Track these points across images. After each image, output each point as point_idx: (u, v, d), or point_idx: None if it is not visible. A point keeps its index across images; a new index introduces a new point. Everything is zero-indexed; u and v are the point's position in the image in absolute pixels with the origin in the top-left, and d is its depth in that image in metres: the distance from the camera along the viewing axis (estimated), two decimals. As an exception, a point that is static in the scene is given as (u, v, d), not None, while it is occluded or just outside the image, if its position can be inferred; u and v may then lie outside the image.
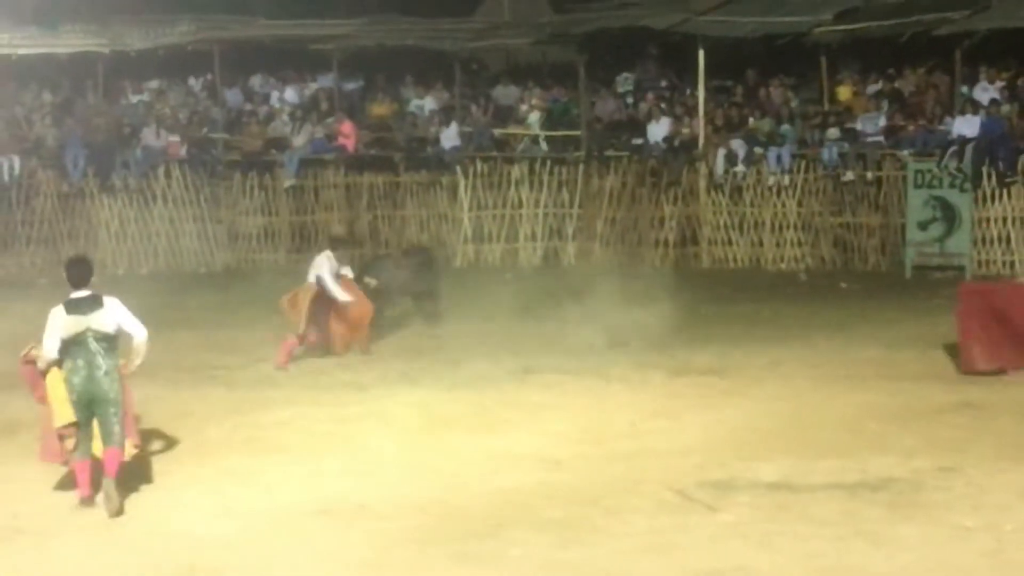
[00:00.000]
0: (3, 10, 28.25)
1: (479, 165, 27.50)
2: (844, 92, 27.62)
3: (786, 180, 26.22)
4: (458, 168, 27.53)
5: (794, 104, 27.70)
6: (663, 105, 28.18)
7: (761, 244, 26.27)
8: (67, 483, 11.78)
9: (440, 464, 12.38)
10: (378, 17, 29.95)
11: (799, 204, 26.06)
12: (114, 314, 11.61)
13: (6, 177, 27.22)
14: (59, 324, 11.47)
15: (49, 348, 11.49)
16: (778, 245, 26.14)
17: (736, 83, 28.51)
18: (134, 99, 29.72)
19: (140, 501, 11.33)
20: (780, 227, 26.19)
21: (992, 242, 24.49)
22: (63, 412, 11.45)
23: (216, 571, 9.53)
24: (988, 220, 24.53)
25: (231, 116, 29.29)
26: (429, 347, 17.69)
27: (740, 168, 26.66)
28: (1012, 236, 24.37)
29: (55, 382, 11.53)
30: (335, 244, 18.29)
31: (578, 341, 18.22)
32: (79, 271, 11.83)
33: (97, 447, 11.44)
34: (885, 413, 13.95)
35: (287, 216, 27.62)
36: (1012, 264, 24.33)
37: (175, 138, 28.38)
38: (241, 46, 29.37)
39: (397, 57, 29.66)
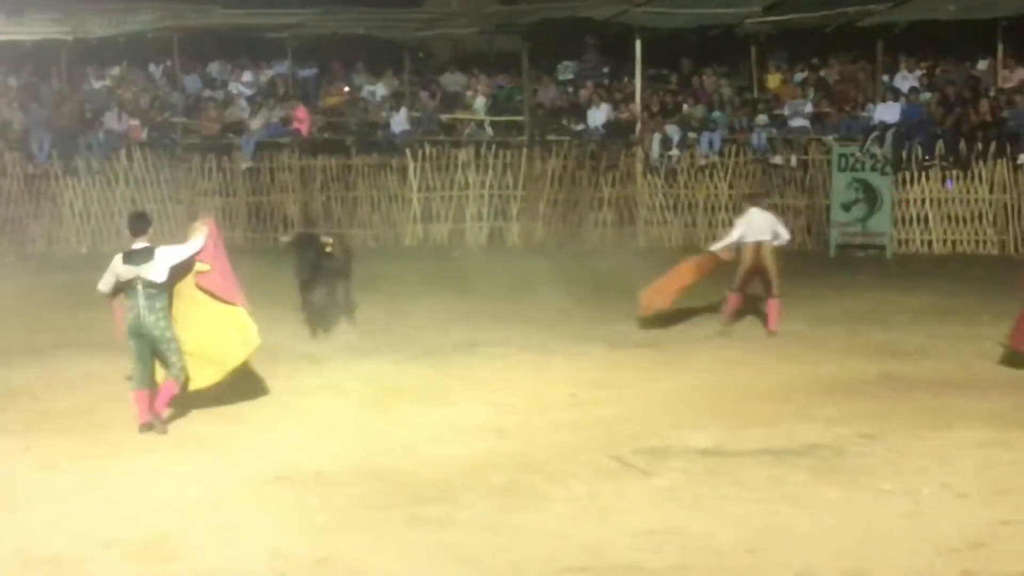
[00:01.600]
0: (-30, -1, 28.07)
1: (427, 148, 27.47)
2: (772, 80, 27.78)
3: (718, 163, 26.34)
4: (407, 151, 27.50)
5: (725, 92, 27.81)
6: (602, 92, 28.25)
7: (694, 224, 26.38)
8: (34, 452, 11.75)
9: (392, 433, 12.41)
10: (331, 7, 29.82)
11: (730, 186, 26.17)
12: (164, 263, 12.71)
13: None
14: (116, 270, 12.76)
15: (103, 285, 12.94)
16: (710, 225, 26.23)
17: (671, 72, 28.62)
18: (97, 84, 29.52)
19: (103, 469, 11.29)
20: (712, 208, 26.31)
21: (911, 222, 24.68)
22: None
23: (178, 535, 9.51)
24: (907, 201, 24.71)
25: (190, 101, 29.13)
26: (381, 322, 17.66)
27: (674, 152, 26.77)
28: (929, 216, 24.58)
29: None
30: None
31: (522, 316, 18.27)
32: (136, 224, 13.05)
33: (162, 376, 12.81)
34: (810, 384, 14.06)
35: (244, 197, 27.51)
36: (930, 243, 24.56)
37: (136, 122, 28.22)
38: (199, 34, 29.17)
39: (349, 45, 29.60)
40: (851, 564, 8.73)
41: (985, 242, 24.31)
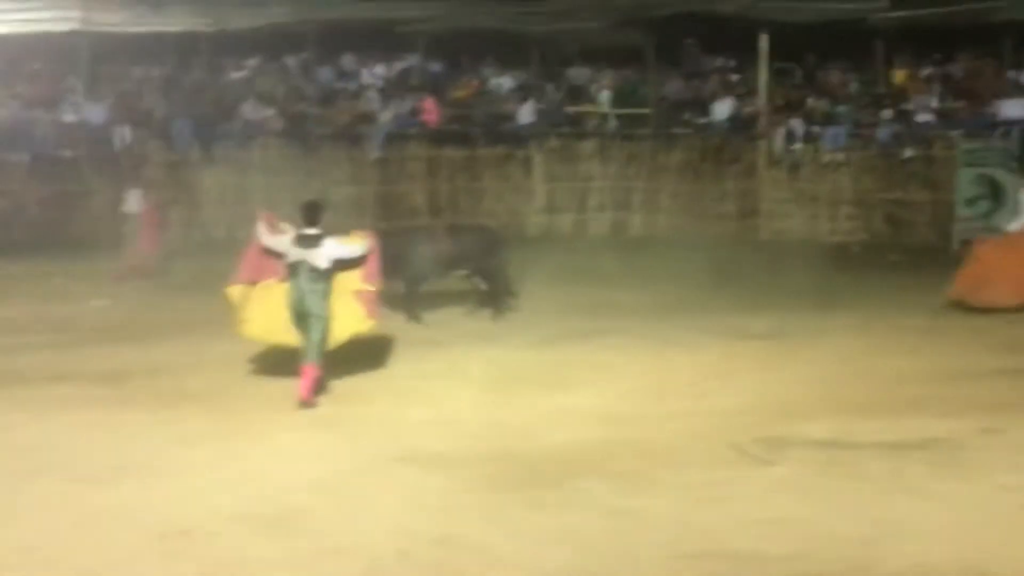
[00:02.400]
0: (115, -8, 28.57)
1: (552, 140, 27.49)
2: (899, 75, 27.44)
3: (841, 158, 26.07)
4: (533, 143, 27.54)
5: (851, 86, 27.51)
6: (727, 86, 28.09)
7: (817, 218, 26.15)
8: (171, 427, 11.96)
9: (512, 417, 12.45)
10: (461, 2, 29.91)
11: (853, 181, 25.90)
12: (330, 253, 13.23)
13: (121, 145, 27.49)
14: (283, 247, 13.39)
15: (276, 242, 13.55)
16: (832, 219, 26.00)
17: (796, 66, 28.37)
18: (235, 75, 29.93)
19: (236, 445, 11.46)
20: (835, 202, 26.05)
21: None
22: (250, 320, 13.79)
23: (305, 511, 9.62)
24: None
25: (323, 92, 29.43)
26: (503, 310, 17.71)
27: (798, 146, 26.53)
28: (1056, 213, 24.14)
29: (261, 295, 13.69)
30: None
31: (642, 306, 18.24)
32: (310, 212, 13.47)
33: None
34: (930, 377, 13.88)
35: (373, 186, 27.73)
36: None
37: (272, 112, 28.57)
38: (334, 27, 29.37)
39: (478, 39, 29.67)
40: (969, 558, 8.60)
41: (1113, 239, 23.78)
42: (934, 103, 26.37)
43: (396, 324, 17.05)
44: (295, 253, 13.23)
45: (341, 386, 13.61)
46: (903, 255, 23.83)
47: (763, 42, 27.10)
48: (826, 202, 26.11)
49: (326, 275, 13.23)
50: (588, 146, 27.48)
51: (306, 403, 12.86)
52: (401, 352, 15.43)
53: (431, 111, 28.37)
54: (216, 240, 26.53)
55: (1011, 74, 25.98)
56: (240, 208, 27.21)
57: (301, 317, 13.17)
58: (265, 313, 13.66)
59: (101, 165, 27.05)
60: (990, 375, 13.95)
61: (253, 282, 13.89)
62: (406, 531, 9.15)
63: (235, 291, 14.04)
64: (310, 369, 13.05)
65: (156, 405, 12.90)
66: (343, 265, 13.49)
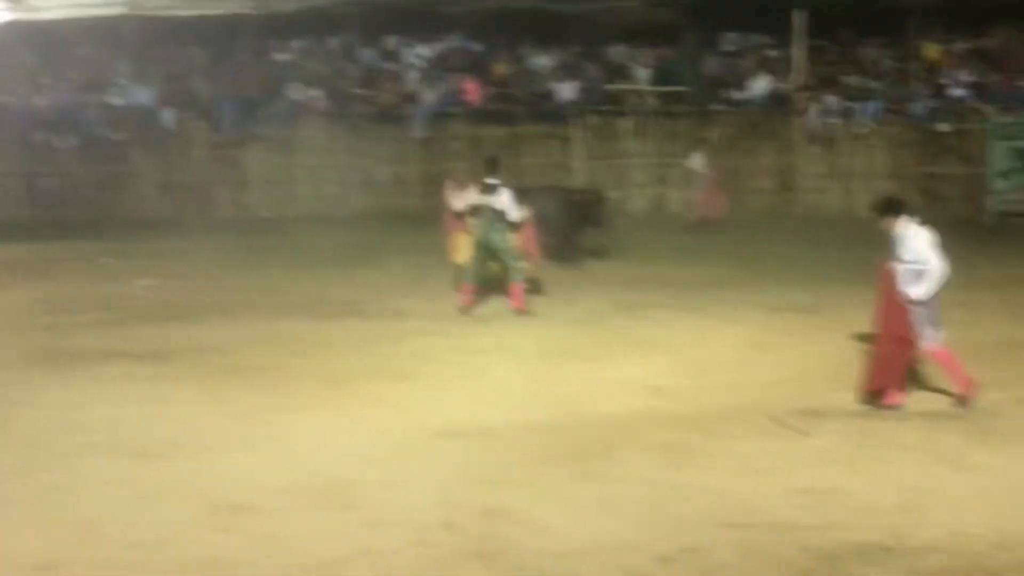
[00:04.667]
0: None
1: (592, 118, 27.45)
2: (931, 50, 27.24)
3: (876, 132, 25.95)
4: (573, 121, 27.50)
5: (885, 62, 27.35)
6: (763, 63, 27.98)
7: (852, 192, 26.03)
8: (221, 404, 12.04)
9: (555, 391, 12.46)
10: (501, -19, 29.93)
11: (889, 155, 25.77)
12: (502, 199, 15.85)
13: (168, 127, 27.61)
14: (471, 198, 16.27)
15: (463, 199, 16.62)
16: (868, 193, 25.85)
17: (831, 43, 28.21)
18: (279, 57, 29.99)
19: (284, 420, 11.52)
20: (870, 176, 25.92)
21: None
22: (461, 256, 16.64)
23: (353, 485, 9.66)
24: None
25: (367, 73, 29.45)
26: (545, 284, 17.73)
27: (834, 121, 26.41)
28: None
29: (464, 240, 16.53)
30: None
31: (683, 281, 18.22)
32: (491, 166, 16.31)
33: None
34: (965, 348, 13.74)
35: (417, 164, 27.76)
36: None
37: (316, 93, 28.61)
38: (376, 8, 29.41)
39: (518, 19, 29.62)
40: (1004, 526, 8.59)
41: None
42: (967, 77, 26.17)
43: (434, 302, 17.12)
44: (479, 199, 16.02)
45: (386, 362, 13.67)
46: (938, 228, 23.64)
47: (798, 19, 26.95)
48: (861, 176, 25.99)
49: (503, 215, 15.85)
50: (627, 124, 27.45)
51: (521, 311, 15.94)
52: (446, 327, 15.48)
53: (472, 91, 28.38)
54: (262, 219, 26.69)
55: (1046, 48, 25.79)
56: (286, 187, 27.38)
57: (487, 250, 16.00)
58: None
59: (149, 147, 27.21)
60: (1023, 347, 13.90)
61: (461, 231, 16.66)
62: (452, 504, 9.19)
63: (458, 238, 16.78)
64: (517, 287, 16.00)
65: (206, 382, 12.97)
66: (506, 218, 15.96)
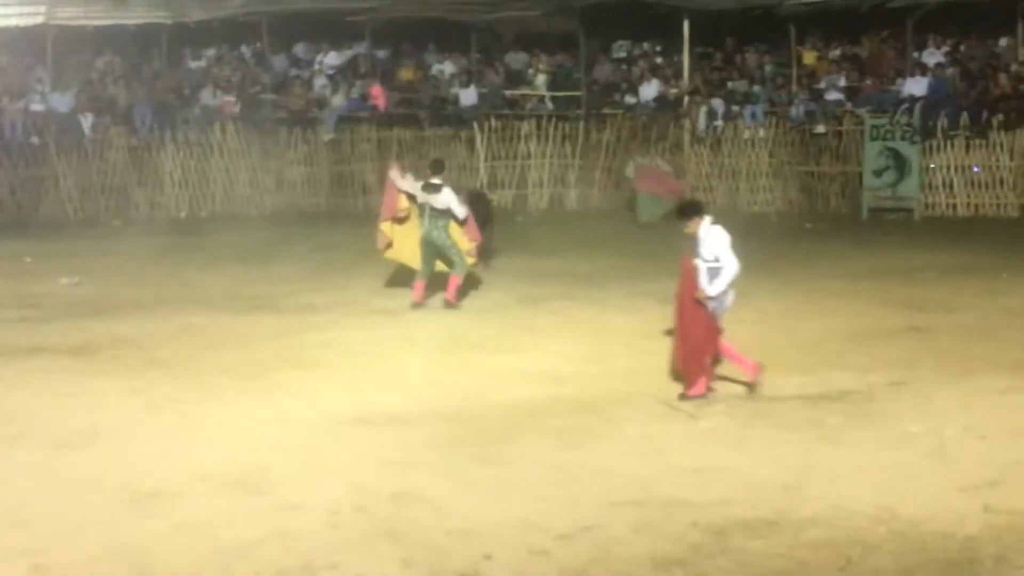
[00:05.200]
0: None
1: (493, 122, 27.44)
2: (809, 57, 27.54)
3: (759, 134, 26.17)
4: (475, 124, 27.47)
5: (766, 68, 27.61)
6: (653, 69, 28.12)
7: (737, 190, 26.25)
8: (139, 395, 11.88)
9: (460, 380, 12.43)
10: (405, -8, 29.84)
11: (770, 155, 26.02)
12: (447, 198, 15.85)
13: (85, 132, 27.28)
14: (416, 190, 16.04)
15: (408, 185, 16.16)
16: (752, 191, 26.12)
17: (716, 50, 28.42)
18: (193, 64, 29.72)
19: (201, 410, 11.39)
20: (754, 175, 26.16)
21: (937, 188, 24.47)
22: (395, 250, 16.49)
23: (268, 471, 9.58)
24: (933, 169, 24.48)
25: (278, 79, 29.26)
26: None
27: (719, 124, 26.60)
28: (954, 182, 24.35)
29: (399, 230, 16.31)
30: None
31: (580, 274, 18.26)
32: (435, 167, 16.47)
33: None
34: (844, 335, 13.99)
35: (327, 166, 27.60)
36: (954, 207, 24.32)
37: (230, 98, 28.38)
38: (286, 18, 29.19)
39: (421, 27, 29.58)
40: (880, 500, 8.69)
41: (1006, 205, 24.08)
42: (842, 82, 26.49)
43: (348, 294, 17.03)
44: (422, 197, 15.94)
45: (299, 353, 13.57)
46: (817, 223, 23.98)
47: (686, 28, 27.14)
48: (745, 175, 26.21)
49: (445, 215, 15.86)
50: (526, 126, 27.42)
51: (451, 304, 15.91)
52: (354, 320, 15.40)
53: (379, 96, 28.27)
54: (178, 219, 26.43)
55: (913, 54, 26.14)
56: (201, 188, 27.12)
57: (428, 246, 15.89)
58: (406, 245, 16.27)
59: (68, 151, 26.85)
60: (897, 333, 14.08)
61: (395, 219, 16.33)
62: (362, 487, 9.14)
63: (386, 227, 16.40)
64: (455, 278, 15.92)
65: (125, 374, 12.81)
66: (451, 216, 15.96)
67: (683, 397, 11.37)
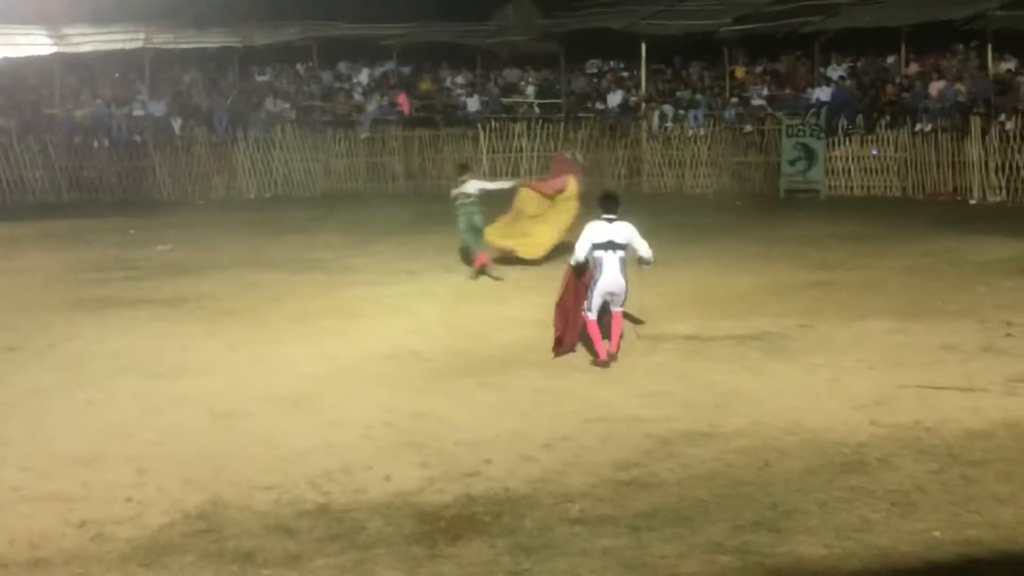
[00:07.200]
0: (170, 17, 28.29)
1: (493, 123, 27.33)
2: (739, 72, 27.41)
3: (700, 132, 26.10)
4: (479, 125, 27.38)
5: (706, 81, 27.49)
6: (617, 81, 28.00)
7: (683, 176, 26.19)
8: (217, 337, 11.88)
9: (467, 324, 12.45)
10: (424, 22, 29.69)
11: (709, 148, 25.94)
12: (476, 186, 15.37)
13: (176, 132, 27.23)
14: (456, 185, 15.51)
15: (455, 192, 15.61)
16: (694, 176, 26.06)
17: (667, 66, 28.31)
18: (259, 79, 29.61)
19: (265, 348, 11.40)
20: (696, 164, 26.09)
21: (838, 174, 24.40)
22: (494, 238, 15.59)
23: (317, 395, 9.61)
24: (836, 158, 24.41)
25: (325, 90, 29.16)
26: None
27: (669, 124, 26.52)
28: (851, 170, 24.29)
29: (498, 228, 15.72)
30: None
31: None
32: (460, 169, 16.11)
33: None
34: (764, 289, 13.98)
35: (364, 158, 27.53)
36: (852, 188, 24.26)
37: (287, 105, 28.31)
38: (331, 42, 29.22)
39: (437, 49, 29.52)
40: (790, 416, 8.72)
41: (891, 187, 23.99)
42: (765, 91, 26.37)
43: (382, 259, 17.01)
44: (458, 188, 15.38)
45: (341, 304, 13.56)
46: (745, 201, 23.93)
47: (643, 49, 27.03)
48: (689, 164, 26.14)
49: (477, 200, 15.19)
50: (519, 127, 27.32)
51: (483, 267, 15.08)
52: (383, 278, 15.40)
53: (404, 103, 28.18)
54: (248, 199, 26.41)
55: (820, 69, 26.03)
56: (265, 176, 27.08)
57: (471, 229, 15.22)
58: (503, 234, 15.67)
59: (162, 146, 26.82)
60: (806, 287, 14.07)
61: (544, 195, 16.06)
62: (390, 408, 9.17)
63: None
64: (483, 255, 15.13)
65: (206, 320, 12.83)
66: (488, 192, 15.53)
67: (558, 354, 10.72)
